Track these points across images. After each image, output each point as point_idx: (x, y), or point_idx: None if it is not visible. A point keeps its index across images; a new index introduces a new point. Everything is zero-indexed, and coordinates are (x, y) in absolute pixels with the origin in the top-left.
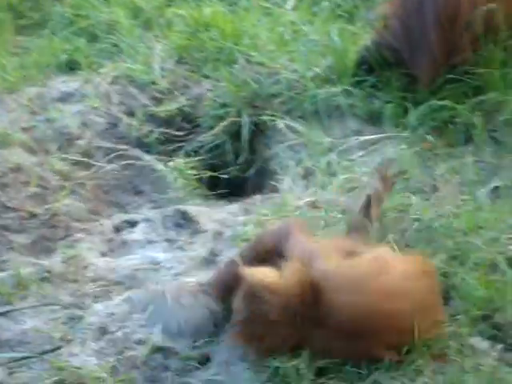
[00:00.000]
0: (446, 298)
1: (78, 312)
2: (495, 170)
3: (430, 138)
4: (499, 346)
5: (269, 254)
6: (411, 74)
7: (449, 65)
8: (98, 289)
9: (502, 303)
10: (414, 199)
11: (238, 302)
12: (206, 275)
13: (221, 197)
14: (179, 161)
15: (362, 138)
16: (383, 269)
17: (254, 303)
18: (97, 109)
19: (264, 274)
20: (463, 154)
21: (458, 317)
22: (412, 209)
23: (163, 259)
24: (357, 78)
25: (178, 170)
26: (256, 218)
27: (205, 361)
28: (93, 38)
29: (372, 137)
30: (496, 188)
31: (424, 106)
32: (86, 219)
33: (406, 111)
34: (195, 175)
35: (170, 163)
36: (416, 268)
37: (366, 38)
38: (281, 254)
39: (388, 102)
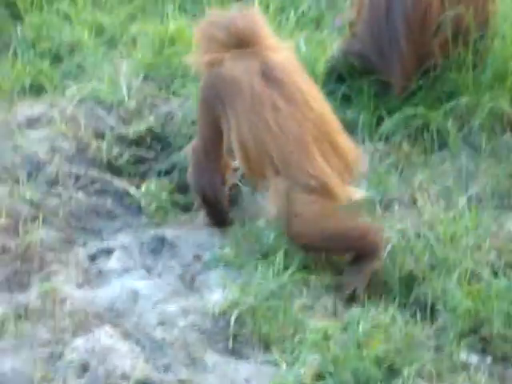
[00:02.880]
0: (432, 311)
1: (58, 349)
2: (473, 176)
3: (405, 146)
4: (488, 360)
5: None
6: (382, 82)
7: (420, 71)
8: (77, 323)
9: (488, 315)
10: (393, 210)
11: None
12: (186, 302)
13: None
14: (151, 184)
15: None
16: None
17: None
18: (64, 133)
19: None
20: (439, 161)
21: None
22: (391, 219)
23: (142, 288)
24: (328, 88)
25: (150, 193)
26: (234, 240)
27: None
28: (56, 59)
29: None
30: (475, 194)
31: (397, 113)
32: (61, 249)
33: (379, 120)
34: (168, 198)
35: (143, 187)
36: None
37: (334, 46)
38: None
39: (361, 112)
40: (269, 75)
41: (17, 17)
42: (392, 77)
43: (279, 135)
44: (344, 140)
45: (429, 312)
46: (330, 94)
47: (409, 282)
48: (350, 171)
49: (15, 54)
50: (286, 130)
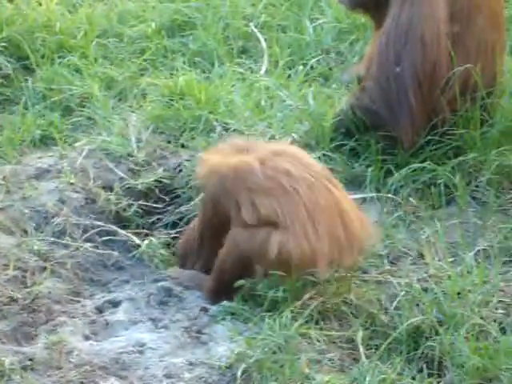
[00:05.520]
0: (440, 367)
1: None
2: (480, 232)
3: (412, 200)
4: None
5: None
6: (390, 137)
7: (428, 126)
8: (83, 375)
9: (496, 372)
10: (400, 264)
11: None
12: (192, 355)
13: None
14: (153, 239)
15: None
16: None
17: None
18: (73, 184)
19: None
20: (447, 215)
21: None
22: (398, 274)
23: (148, 340)
24: (336, 143)
25: (152, 247)
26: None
27: None
28: (66, 111)
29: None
30: (482, 250)
31: (405, 168)
32: (68, 301)
33: (387, 174)
34: (172, 251)
35: (145, 241)
36: None
37: (342, 101)
38: None
39: (368, 166)
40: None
41: (28, 69)
42: (400, 131)
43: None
44: (352, 210)
45: (436, 367)
46: (338, 148)
47: (416, 336)
48: (354, 244)
49: (26, 105)
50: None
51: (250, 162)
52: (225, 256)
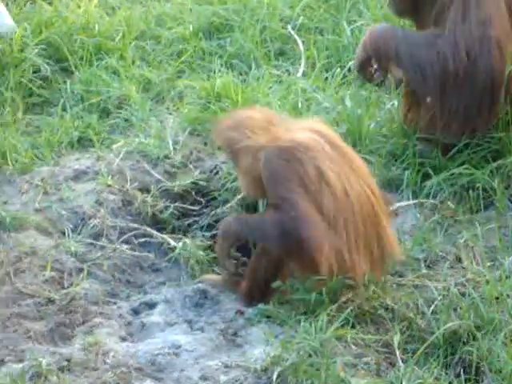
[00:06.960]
0: (477, 372)
1: None
2: None
3: (450, 204)
4: None
5: None
6: (428, 140)
7: (468, 129)
8: (119, 376)
9: None
10: (437, 268)
11: None
12: (228, 357)
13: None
14: (189, 241)
15: None
16: None
17: None
18: (110, 186)
19: None
20: (485, 219)
21: None
22: (435, 278)
23: (184, 342)
24: (374, 146)
25: (188, 249)
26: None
27: None
28: (104, 113)
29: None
30: None
31: (443, 171)
32: (104, 302)
33: (424, 177)
34: (208, 255)
35: (180, 243)
36: None
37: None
38: None
39: (406, 169)
40: (331, 141)
41: (67, 71)
42: (448, 136)
43: (345, 200)
44: (387, 225)
45: (473, 372)
46: (375, 151)
47: (453, 341)
48: (384, 260)
49: (64, 107)
50: (351, 196)
51: (320, 142)
52: (258, 256)
